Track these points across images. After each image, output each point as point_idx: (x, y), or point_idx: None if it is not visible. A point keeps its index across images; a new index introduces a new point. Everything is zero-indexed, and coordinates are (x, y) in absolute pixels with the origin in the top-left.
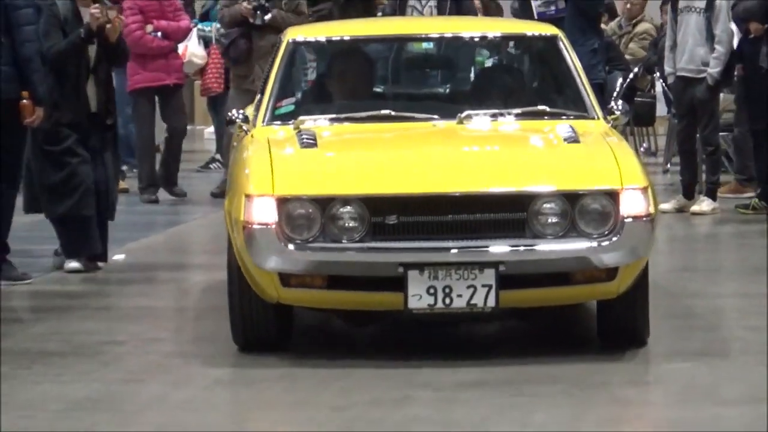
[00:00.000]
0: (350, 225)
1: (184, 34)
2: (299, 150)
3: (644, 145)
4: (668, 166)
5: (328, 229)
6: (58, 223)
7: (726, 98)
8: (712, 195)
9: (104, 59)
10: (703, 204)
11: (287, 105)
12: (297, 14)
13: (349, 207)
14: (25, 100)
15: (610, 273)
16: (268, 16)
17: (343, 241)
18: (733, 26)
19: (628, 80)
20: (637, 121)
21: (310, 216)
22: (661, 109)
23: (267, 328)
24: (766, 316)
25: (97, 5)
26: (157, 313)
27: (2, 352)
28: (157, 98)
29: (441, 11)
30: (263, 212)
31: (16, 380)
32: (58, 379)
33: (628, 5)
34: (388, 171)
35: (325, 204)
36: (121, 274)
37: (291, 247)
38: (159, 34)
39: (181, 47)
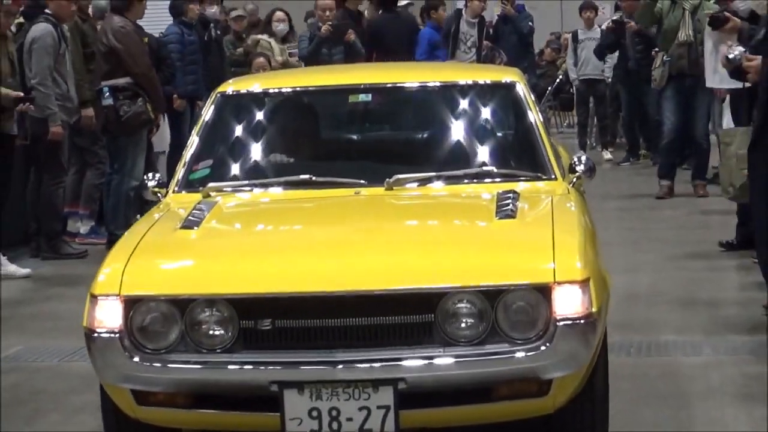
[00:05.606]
0: (215, 332)
1: None
2: (175, 232)
3: (567, 122)
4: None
5: (189, 336)
6: None
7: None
8: (606, 148)
9: None
10: (609, 154)
11: (203, 168)
12: None
13: (213, 310)
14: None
15: (543, 387)
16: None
17: (205, 351)
18: None
19: (555, 84)
20: (562, 107)
21: (167, 321)
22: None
23: None
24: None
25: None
26: None
27: None
28: None
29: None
30: (107, 316)
31: None
32: None
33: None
34: (266, 263)
35: (184, 306)
36: None
37: (138, 359)
38: None
39: None
